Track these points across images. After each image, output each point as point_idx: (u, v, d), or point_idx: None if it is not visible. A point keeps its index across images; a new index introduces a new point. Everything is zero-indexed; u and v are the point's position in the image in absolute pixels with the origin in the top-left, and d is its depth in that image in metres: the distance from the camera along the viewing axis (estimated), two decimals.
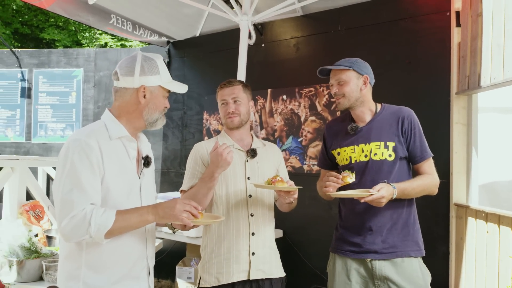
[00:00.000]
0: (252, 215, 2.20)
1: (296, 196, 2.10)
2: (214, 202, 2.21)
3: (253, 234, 2.19)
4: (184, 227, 1.83)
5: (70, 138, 1.64)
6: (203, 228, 2.28)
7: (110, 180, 1.63)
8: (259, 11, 3.73)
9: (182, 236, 3.77)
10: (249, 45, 4.23)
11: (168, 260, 4.60)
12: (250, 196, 2.21)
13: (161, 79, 1.74)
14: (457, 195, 3.32)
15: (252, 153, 2.24)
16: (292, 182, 2.10)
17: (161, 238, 4.26)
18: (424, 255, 2.23)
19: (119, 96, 1.75)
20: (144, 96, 1.72)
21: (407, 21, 3.68)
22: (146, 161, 1.81)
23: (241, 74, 3.35)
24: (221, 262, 2.17)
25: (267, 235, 2.26)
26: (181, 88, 1.82)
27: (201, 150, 2.25)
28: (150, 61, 1.73)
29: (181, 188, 2.24)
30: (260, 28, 4.51)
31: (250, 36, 3.81)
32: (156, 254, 4.63)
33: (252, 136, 2.36)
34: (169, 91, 1.79)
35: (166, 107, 1.79)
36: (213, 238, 2.21)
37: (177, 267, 3.87)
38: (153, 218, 1.62)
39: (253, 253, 2.18)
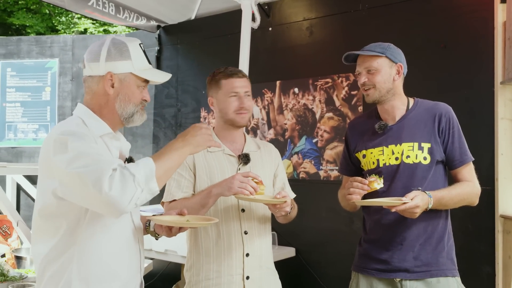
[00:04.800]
0: (246, 232, 2.21)
1: (287, 209, 2.11)
2: None
3: (247, 255, 2.19)
4: (170, 231, 1.85)
5: (54, 134, 1.63)
6: (189, 245, 2.28)
7: None
8: None
9: (176, 256, 3.76)
10: (253, 29, 4.22)
11: (160, 284, 4.60)
12: (243, 210, 2.22)
13: (133, 66, 1.73)
14: (504, 205, 3.28)
15: (244, 159, 2.25)
16: (285, 193, 2.11)
17: (151, 259, 4.26)
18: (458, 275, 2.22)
19: (87, 87, 1.77)
20: (113, 86, 1.72)
21: None
22: (131, 162, 1.81)
23: (244, 64, 3.35)
24: (209, 287, 2.17)
25: (263, 254, 2.27)
26: (160, 76, 1.82)
27: None
28: (119, 45, 1.74)
29: (163, 199, 2.23)
30: (266, 9, 4.48)
31: (254, 19, 3.79)
32: (146, 277, 4.64)
33: (245, 136, 2.37)
34: (146, 81, 1.78)
35: (144, 99, 1.79)
36: (201, 258, 2.21)
37: None
38: (189, 150, 1.69)
39: (247, 277, 2.18)
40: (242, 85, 2.26)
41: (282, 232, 4.14)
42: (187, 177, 2.21)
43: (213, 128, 2.34)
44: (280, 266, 4.04)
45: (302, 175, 4.23)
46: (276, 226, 4.06)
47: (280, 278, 4.05)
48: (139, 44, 1.79)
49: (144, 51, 1.79)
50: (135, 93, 1.76)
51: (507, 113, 3.32)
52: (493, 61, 3.36)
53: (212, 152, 2.24)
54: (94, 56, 1.73)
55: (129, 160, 1.83)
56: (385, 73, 2.21)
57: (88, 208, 1.59)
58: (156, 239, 1.97)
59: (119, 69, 1.72)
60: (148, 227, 1.92)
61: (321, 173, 4.14)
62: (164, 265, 4.64)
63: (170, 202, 2.19)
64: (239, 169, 2.24)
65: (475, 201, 2.24)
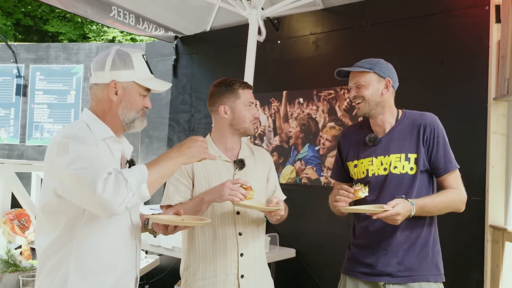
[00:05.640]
0: (240, 234, 2.23)
1: (281, 213, 2.15)
2: None
3: (241, 255, 2.21)
4: (166, 230, 1.89)
5: (59, 136, 1.67)
6: (186, 247, 2.31)
7: None
8: (275, 3, 3.76)
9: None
10: (264, 42, 4.29)
11: (169, 278, 4.64)
12: (238, 213, 2.24)
13: (136, 75, 1.78)
14: (494, 215, 3.27)
15: (240, 164, 2.27)
16: (278, 199, 2.15)
17: (160, 255, 4.31)
18: (444, 280, 2.21)
19: (93, 94, 1.81)
20: (116, 93, 1.76)
21: (440, 16, 3.66)
22: (132, 164, 1.87)
23: (249, 75, 3.39)
24: (205, 286, 2.20)
25: (257, 254, 2.29)
26: (160, 85, 1.86)
27: None
28: (123, 55, 1.78)
29: (162, 203, 2.25)
30: (276, 23, 4.55)
31: (260, 32, 3.84)
32: (155, 272, 4.65)
33: (240, 143, 2.39)
34: (148, 90, 1.83)
35: (146, 107, 1.84)
36: (197, 258, 2.23)
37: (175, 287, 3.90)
38: (183, 160, 1.71)
39: (242, 276, 2.20)
40: (253, 97, 2.34)
41: (284, 234, 4.18)
42: (185, 183, 2.23)
43: (210, 134, 2.37)
44: (281, 266, 4.11)
45: (304, 180, 4.26)
46: (278, 228, 4.14)
47: (281, 277, 4.13)
48: (142, 55, 1.85)
49: (146, 62, 1.85)
50: (137, 101, 1.81)
51: (499, 128, 3.31)
52: (487, 77, 3.37)
53: None
54: (100, 65, 1.78)
55: (130, 162, 1.87)
56: (373, 87, 2.23)
57: (83, 207, 1.63)
58: (154, 237, 2.02)
59: (122, 78, 1.77)
60: (146, 225, 1.97)
61: (322, 179, 4.16)
62: (173, 261, 4.69)
63: (168, 207, 2.21)
64: (235, 174, 2.26)
65: (460, 207, 2.21)
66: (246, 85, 2.32)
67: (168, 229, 1.89)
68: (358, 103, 2.26)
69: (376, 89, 2.23)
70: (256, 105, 2.35)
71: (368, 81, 2.22)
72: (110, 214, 1.55)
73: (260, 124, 4.60)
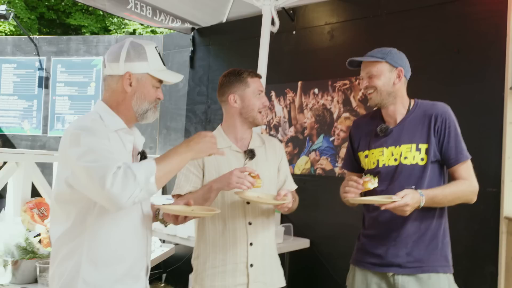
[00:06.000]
0: (250, 223, 2.23)
1: (289, 205, 2.14)
2: None
3: (251, 244, 2.22)
4: (176, 220, 1.90)
5: (71, 128, 1.69)
6: (196, 236, 2.33)
7: None
8: None
9: None
10: (279, 32, 4.26)
11: (186, 267, 4.68)
12: (248, 203, 2.24)
13: (149, 67, 1.79)
14: (509, 207, 3.21)
15: (250, 154, 2.27)
16: (286, 191, 2.14)
17: (176, 244, 4.35)
18: (453, 272, 2.19)
19: (107, 85, 1.82)
20: (130, 84, 1.77)
21: (456, 4, 3.57)
22: (143, 156, 1.88)
23: (262, 65, 3.37)
24: (215, 275, 2.21)
25: (266, 243, 2.29)
26: (173, 77, 1.86)
27: None
28: (138, 47, 1.79)
29: (173, 192, 2.28)
30: (291, 13, 4.51)
31: (273, 23, 3.81)
32: (171, 261, 4.70)
33: (251, 133, 2.38)
34: (160, 81, 1.84)
35: (158, 98, 1.84)
36: (207, 248, 2.25)
37: (190, 276, 3.94)
38: (191, 155, 1.73)
39: (251, 265, 2.21)
40: (262, 86, 2.33)
41: (298, 224, 4.17)
42: (195, 173, 2.24)
43: (221, 125, 2.37)
44: (295, 256, 4.11)
45: (318, 171, 4.24)
46: (292, 218, 4.13)
47: (294, 267, 4.13)
48: (155, 47, 1.86)
49: (159, 53, 1.86)
50: (151, 92, 1.81)
51: None
52: (504, 67, 3.29)
53: (220, 149, 2.27)
54: (114, 57, 1.78)
55: (142, 153, 1.88)
56: (385, 77, 2.20)
57: (93, 199, 1.65)
58: (165, 226, 2.03)
59: (137, 69, 1.77)
60: (157, 215, 1.98)
61: (336, 170, 4.13)
62: (189, 251, 4.72)
63: (178, 196, 2.24)
64: (246, 164, 2.26)
65: (472, 198, 2.18)
66: (254, 74, 2.33)
67: (178, 219, 1.90)
68: (370, 93, 2.23)
69: (388, 79, 2.20)
70: (265, 93, 2.34)
71: (380, 71, 2.20)
72: (118, 208, 1.58)
73: (276, 115, 4.59)
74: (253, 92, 2.27)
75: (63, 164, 1.71)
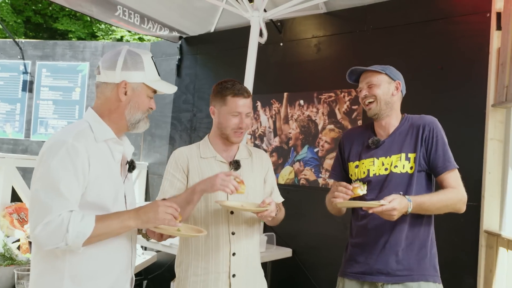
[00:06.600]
0: (233, 233, 2.20)
1: (272, 214, 2.09)
2: (193, 218, 2.23)
3: (234, 254, 2.19)
4: (161, 237, 1.87)
5: (54, 137, 1.66)
6: (179, 244, 2.29)
7: (97, 185, 1.66)
8: (277, 5, 3.73)
9: None
10: (267, 44, 4.29)
11: (167, 274, 4.63)
12: (231, 213, 2.21)
13: (146, 76, 1.76)
14: (489, 221, 3.23)
15: (235, 165, 2.24)
16: (270, 199, 2.11)
17: (158, 251, 4.30)
18: (441, 282, 2.20)
19: (100, 92, 1.77)
20: (126, 93, 1.74)
21: (440, 22, 3.62)
22: (132, 166, 1.85)
23: (249, 76, 3.36)
24: (197, 283, 2.17)
25: (250, 254, 2.26)
26: (168, 88, 1.85)
27: (181, 157, 2.26)
28: (135, 56, 1.76)
29: (157, 198, 2.22)
30: (279, 26, 4.53)
31: (261, 34, 3.81)
32: (153, 268, 4.62)
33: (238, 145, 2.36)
34: (154, 91, 1.81)
35: (150, 108, 1.82)
36: (190, 255, 2.21)
37: (172, 284, 3.88)
38: (135, 224, 1.65)
39: (233, 275, 2.17)
40: (245, 106, 2.21)
41: (281, 233, 4.15)
42: (180, 179, 2.21)
43: (208, 135, 2.35)
44: (277, 265, 4.08)
45: (302, 181, 4.23)
46: (275, 227, 4.11)
47: (276, 276, 4.10)
48: (151, 57, 1.83)
49: (155, 64, 1.83)
50: (145, 102, 1.79)
51: (496, 134, 3.28)
52: (486, 84, 3.34)
53: (205, 158, 2.25)
54: (110, 64, 1.74)
55: (130, 163, 1.85)
56: (384, 87, 2.25)
57: None
58: (147, 241, 1.98)
59: (133, 79, 1.74)
60: (141, 230, 1.89)
61: (320, 180, 4.13)
62: (171, 258, 4.67)
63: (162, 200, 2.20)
64: None
65: (461, 208, 2.18)
66: (240, 93, 2.21)
67: (163, 237, 1.87)
68: (369, 103, 2.26)
69: (387, 89, 2.26)
70: (248, 115, 2.24)
71: (380, 81, 2.25)
72: (40, 249, 1.62)
73: (261, 125, 4.58)
74: (228, 111, 2.20)
75: (36, 168, 1.65)
